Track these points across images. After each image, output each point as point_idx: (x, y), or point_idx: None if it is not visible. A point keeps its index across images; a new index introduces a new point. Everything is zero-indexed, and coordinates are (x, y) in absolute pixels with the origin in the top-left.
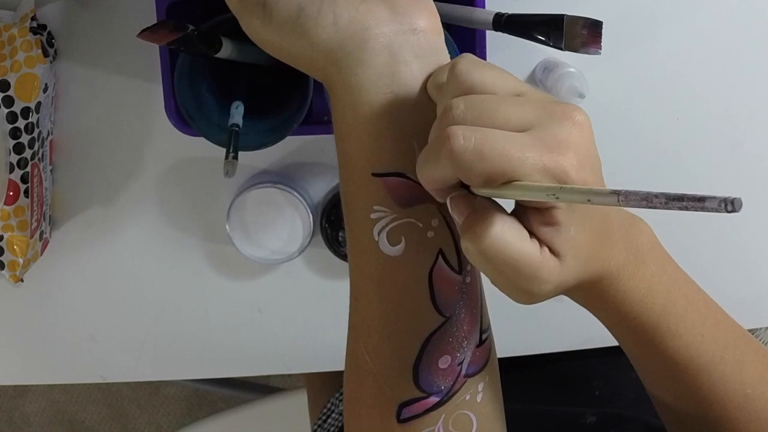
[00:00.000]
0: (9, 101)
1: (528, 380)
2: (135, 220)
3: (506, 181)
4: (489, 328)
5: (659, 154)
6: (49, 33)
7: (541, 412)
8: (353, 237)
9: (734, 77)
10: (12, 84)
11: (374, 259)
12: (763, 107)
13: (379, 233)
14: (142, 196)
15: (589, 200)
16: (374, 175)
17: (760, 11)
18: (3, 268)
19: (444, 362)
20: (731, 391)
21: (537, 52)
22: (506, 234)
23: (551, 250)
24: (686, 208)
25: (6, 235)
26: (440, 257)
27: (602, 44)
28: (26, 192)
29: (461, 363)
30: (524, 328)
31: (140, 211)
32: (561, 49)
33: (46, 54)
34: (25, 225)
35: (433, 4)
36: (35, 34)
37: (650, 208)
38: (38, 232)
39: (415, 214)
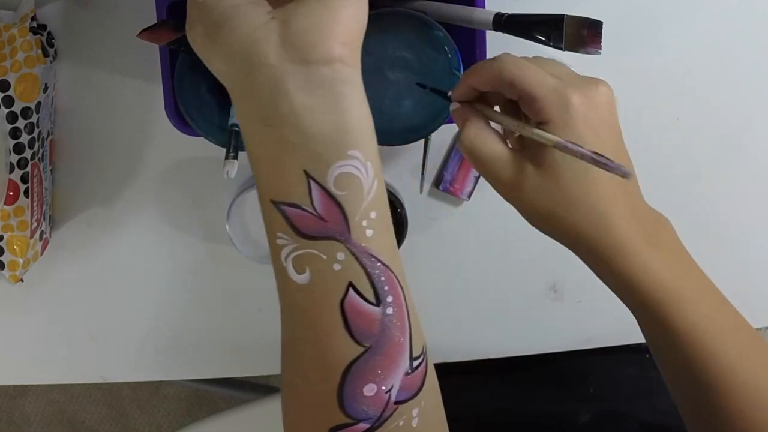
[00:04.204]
0: (9, 101)
1: (529, 380)
2: (135, 220)
3: (519, 97)
4: (423, 354)
5: (659, 154)
6: (49, 33)
7: (537, 411)
8: (272, 257)
9: (734, 77)
10: (12, 84)
11: (286, 284)
12: (763, 107)
13: (285, 259)
14: (142, 196)
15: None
16: (272, 202)
17: (760, 11)
18: (3, 268)
19: (369, 390)
20: (739, 378)
21: (537, 52)
22: (477, 133)
23: (534, 163)
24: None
25: (6, 235)
26: (351, 290)
27: (602, 44)
28: (26, 192)
29: (389, 391)
30: (525, 329)
31: (140, 211)
32: (561, 49)
33: (46, 54)
34: (25, 225)
35: (340, 29)
36: (35, 34)
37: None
38: (38, 232)
39: (318, 247)
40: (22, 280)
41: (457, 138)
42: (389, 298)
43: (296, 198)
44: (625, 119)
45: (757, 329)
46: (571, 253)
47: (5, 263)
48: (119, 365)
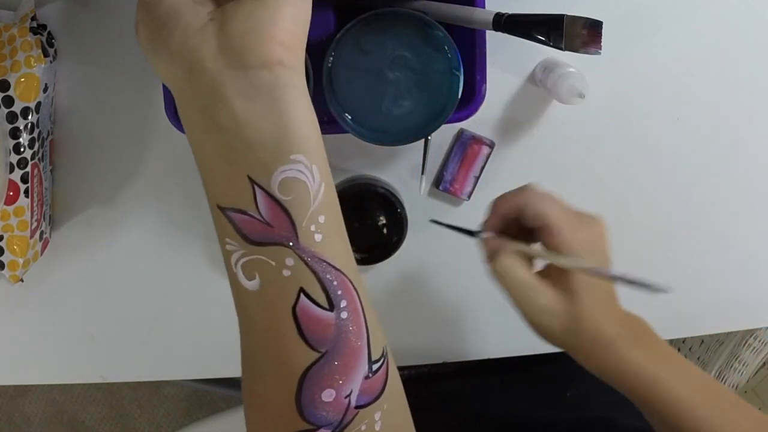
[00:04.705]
0: (9, 101)
1: (529, 380)
2: (135, 220)
3: (541, 227)
4: (383, 357)
5: (659, 154)
6: (49, 33)
7: (537, 415)
8: (225, 263)
9: (734, 77)
10: (12, 84)
11: (238, 290)
12: (763, 108)
13: (235, 265)
14: (142, 196)
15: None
16: (219, 208)
17: (760, 11)
18: (3, 268)
19: (328, 396)
20: None
21: (537, 52)
22: (512, 263)
23: (563, 288)
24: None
25: (6, 235)
26: (302, 295)
27: (602, 44)
28: (26, 192)
29: (349, 395)
30: (524, 329)
31: (140, 211)
32: (561, 49)
33: (46, 54)
34: (25, 225)
35: (279, 31)
36: (35, 34)
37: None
38: (38, 232)
39: (266, 253)
40: (22, 280)
41: (489, 266)
42: (343, 303)
43: (242, 204)
44: (625, 120)
45: (757, 329)
46: None
47: (5, 263)
48: (119, 365)
